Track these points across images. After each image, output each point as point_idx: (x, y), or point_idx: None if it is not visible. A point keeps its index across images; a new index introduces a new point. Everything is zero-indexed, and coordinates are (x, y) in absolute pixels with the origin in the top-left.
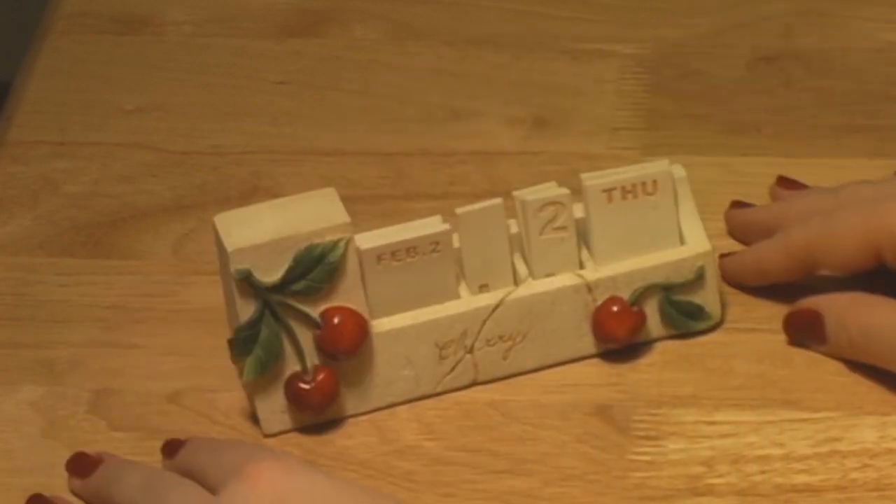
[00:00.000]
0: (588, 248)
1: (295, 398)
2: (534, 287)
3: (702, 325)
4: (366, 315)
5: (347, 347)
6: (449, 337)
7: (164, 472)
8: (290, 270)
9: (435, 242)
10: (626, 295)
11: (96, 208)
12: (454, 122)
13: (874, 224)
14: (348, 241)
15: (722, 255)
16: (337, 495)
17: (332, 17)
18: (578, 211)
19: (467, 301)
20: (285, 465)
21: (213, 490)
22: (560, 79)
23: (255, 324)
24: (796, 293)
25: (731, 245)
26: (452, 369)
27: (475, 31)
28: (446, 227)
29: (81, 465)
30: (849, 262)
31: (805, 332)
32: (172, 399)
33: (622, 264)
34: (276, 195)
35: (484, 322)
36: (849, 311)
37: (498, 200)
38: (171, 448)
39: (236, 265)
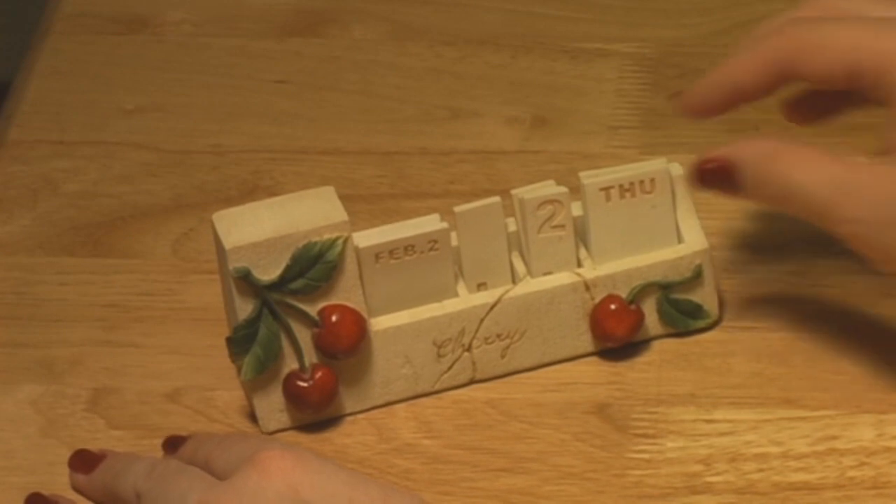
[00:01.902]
0: (586, 246)
1: (293, 396)
2: (532, 285)
3: (700, 324)
4: (364, 313)
5: (346, 346)
6: (447, 335)
7: (169, 459)
8: (288, 269)
9: (433, 241)
10: (624, 293)
11: (96, 208)
12: (453, 122)
13: (865, 43)
14: (346, 240)
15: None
16: (349, 487)
17: (331, 17)
18: (577, 209)
19: (465, 299)
20: (297, 455)
21: (220, 478)
22: (559, 78)
23: (253, 322)
24: (796, 293)
25: (731, 244)
26: (450, 367)
27: (474, 31)
28: (444, 225)
29: (84, 460)
30: (827, 75)
31: (718, 182)
32: (171, 398)
33: (620, 263)
34: (275, 194)
35: (482, 320)
36: (770, 165)
37: (496, 199)
38: (173, 443)
39: (234, 263)
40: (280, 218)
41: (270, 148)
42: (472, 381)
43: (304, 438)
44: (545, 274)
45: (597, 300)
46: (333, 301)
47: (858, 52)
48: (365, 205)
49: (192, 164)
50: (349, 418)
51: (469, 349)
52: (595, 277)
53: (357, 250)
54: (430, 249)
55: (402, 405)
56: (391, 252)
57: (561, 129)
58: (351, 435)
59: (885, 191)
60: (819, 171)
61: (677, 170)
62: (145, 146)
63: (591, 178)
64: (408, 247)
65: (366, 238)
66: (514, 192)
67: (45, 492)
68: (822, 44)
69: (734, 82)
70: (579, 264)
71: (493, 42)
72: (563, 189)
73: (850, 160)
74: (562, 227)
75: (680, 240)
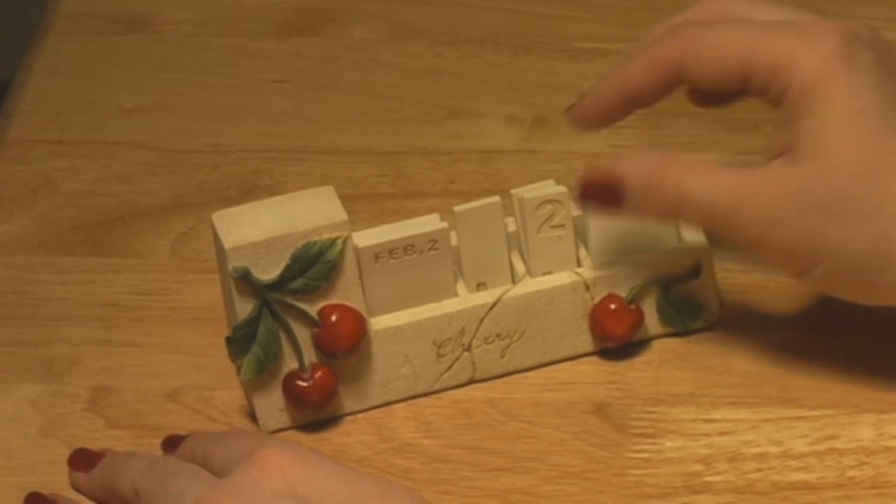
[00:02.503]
0: (586, 246)
1: (293, 396)
2: (531, 285)
3: (699, 323)
4: (364, 313)
5: (345, 345)
6: (447, 335)
7: (168, 457)
8: (287, 268)
9: (433, 240)
10: (623, 293)
11: (96, 207)
12: (453, 122)
13: (755, 44)
14: (346, 239)
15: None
16: (347, 484)
17: (331, 17)
18: (576, 209)
19: (465, 299)
20: (296, 452)
21: (218, 476)
22: (559, 78)
23: (253, 322)
24: (796, 293)
25: (730, 243)
26: (450, 367)
27: (474, 31)
28: (444, 225)
29: (83, 459)
30: (719, 77)
31: (602, 197)
32: (171, 397)
33: (620, 262)
34: (275, 194)
35: (482, 320)
36: (661, 176)
37: (496, 198)
38: (172, 442)
39: (234, 263)
40: (280, 218)
41: (270, 147)
42: (471, 381)
43: (303, 438)
44: (545, 273)
45: (596, 300)
46: (333, 301)
47: (749, 53)
48: (365, 204)
49: (192, 164)
50: (349, 418)
51: (469, 349)
52: (595, 277)
53: (357, 250)
54: (430, 249)
55: (402, 405)
56: (391, 252)
57: (561, 129)
58: (350, 434)
59: (781, 190)
60: (715, 180)
61: None
62: (145, 146)
63: None
64: (407, 246)
65: (365, 238)
66: (514, 191)
67: (44, 491)
68: (714, 46)
69: (626, 89)
70: (579, 264)
71: (492, 42)
72: (563, 188)
73: (742, 168)
74: (561, 226)
75: (680, 240)
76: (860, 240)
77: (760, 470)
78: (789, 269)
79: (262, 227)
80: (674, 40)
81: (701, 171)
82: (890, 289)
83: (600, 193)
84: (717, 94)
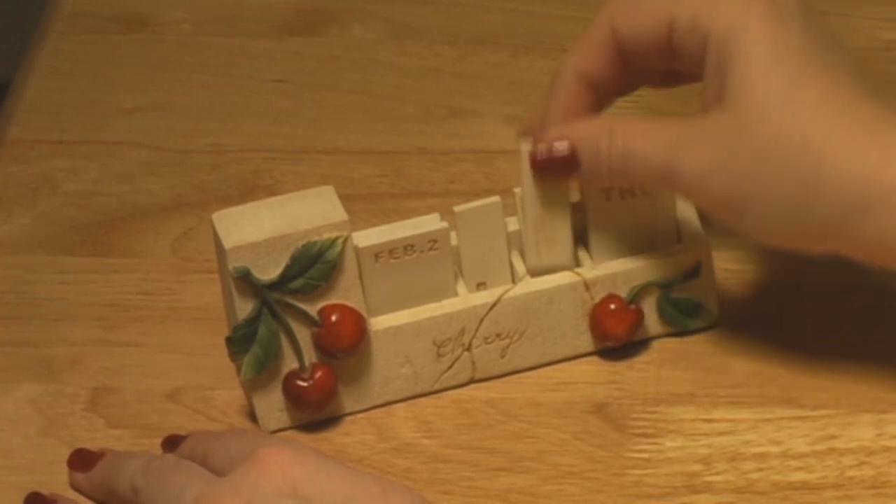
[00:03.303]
0: (586, 246)
1: (293, 396)
2: (531, 285)
3: (699, 323)
4: (364, 313)
5: (345, 345)
6: (447, 335)
7: (166, 455)
8: (288, 268)
9: (433, 240)
10: (623, 293)
11: (95, 207)
12: (453, 121)
13: None
14: (346, 239)
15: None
16: (347, 483)
17: (331, 16)
18: (577, 209)
19: (465, 299)
20: (296, 451)
21: (218, 474)
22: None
23: (253, 322)
24: (796, 293)
25: (730, 244)
26: (450, 367)
27: (474, 31)
28: (444, 225)
29: (83, 459)
30: (645, 33)
31: (556, 165)
32: (171, 397)
33: (620, 262)
34: (275, 194)
35: (482, 320)
36: (608, 140)
37: (496, 198)
38: (172, 442)
39: (234, 263)
40: (280, 217)
41: (270, 147)
42: (471, 381)
43: (303, 438)
44: (544, 272)
45: (596, 300)
46: (333, 301)
47: (673, 4)
48: (365, 204)
49: (192, 164)
50: (349, 418)
51: (469, 349)
52: (595, 277)
53: (357, 250)
54: (430, 249)
55: (402, 405)
56: (391, 252)
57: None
58: (350, 434)
59: (712, 136)
60: (655, 136)
61: None
62: (145, 146)
63: None
64: (407, 246)
65: (365, 238)
66: (516, 190)
67: (44, 491)
68: (639, 5)
69: (581, 77)
70: (579, 264)
71: (492, 41)
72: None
73: (680, 120)
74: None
75: (680, 240)
76: (789, 178)
77: (760, 470)
78: (724, 217)
79: (262, 227)
80: (605, 7)
81: (642, 129)
82: (820, 231)
83: (555, 162)
84: (645, 56)
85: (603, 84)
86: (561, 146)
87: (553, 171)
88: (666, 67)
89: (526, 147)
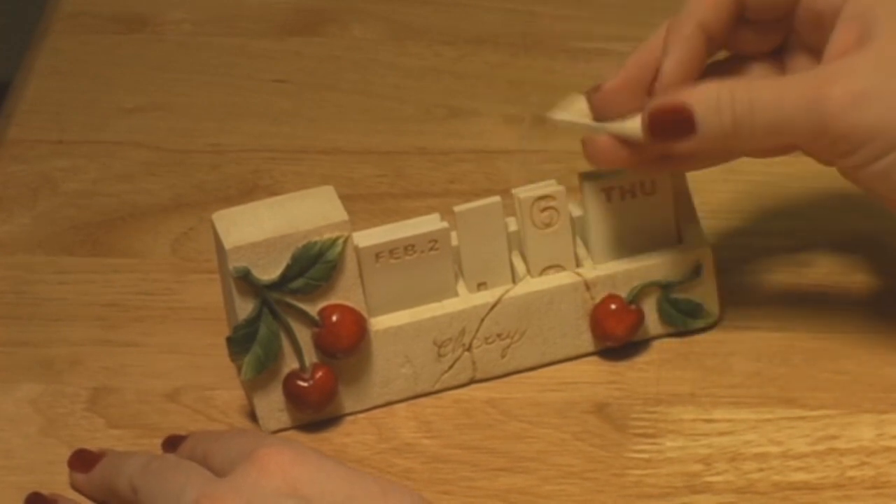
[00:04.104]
0: (586, 246)
1: (293, 396)
2: (532, 285)
3: (700, 323)
4: (364, 313)
5: (346, 345)
6: (447, 335)
7: (166, 455)
8: (288, 268)
9: (433, 240)
10: (624, 293)
11: (95, 207)
12: (453, 121)
13: None
14: (346, 239)
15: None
16: (347, 483)
17: (331, 16)
18: (577, 210)
19: (465, 299)
20: (296, 451)
21: (218, 474)
22: (559, 77)
23: (253, 322)
24: (796, 293)
25: (731, 244)
26: (451, 367)
27: (474, 31)
28: (444, 225)
29: (83, 460)
30: None
31: (672, 128)
32: (171, 397)
33: (620, 262)
34: (275, 194)
35: (482, 320)
36: (729, 91)
37: (496, 198)
38: (173, 442)
39: (234, 263)
40: (280, 217)
41: (270, 147)
42: (472, 381)
43: (303, 438)
44: (544, 271)
45: (597, 300)
46: (333, 301)
47: None
48: (365, 204)
49: (192, 164)
50: (349, 418)
51: (469, 349)
52: (595, 277)
53: (357, 250)
54: (430, 249)
55: (402, 405)
56: (391, 252)
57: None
58: (351, 434)
59: (865, 68)
60: (785, 82)
61: (677, 171)
62: (145, 145)
63: (591, 179)
64: (408, 246)
65: (366, 238)
66: (514, 191)
67: (44, 491)
68: None
69: (699, 26)
70: (579, 264)
71: (492, 41)
72: (561, 187)
73: (809, 70)
74: (559, 224)
75: (680, 240)
76: None
77: (761, 470)
78: (858, 158)
79: (262, 227)
80: None
81: (767, 81)
82: None
83: (670, 122)
84: (769, 20)
85: (718, 40)
86: (678, 105)
87: (669, 133)
88: (774, 36)
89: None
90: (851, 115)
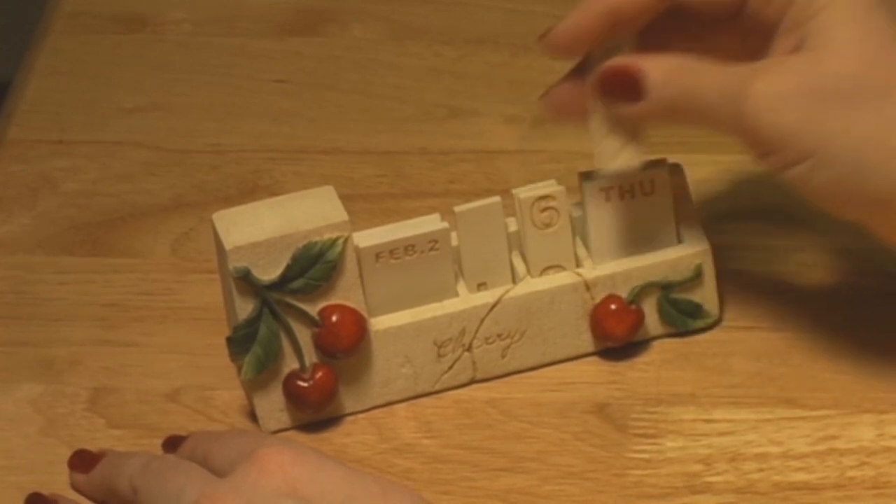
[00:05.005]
0: (586, 246)
1: (293, 396)
2: (532, 285)
3: (700, 324)
4: (364, 313)
5: (346, 346)
6: (447, 335)
7: (165, 455)
8: (288, 268)
9: (433, 241)
10: (624, 293)
11: (96, 207)
12: (453, 121)
13: None
14: (346, 240)
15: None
16: (347, 483)
17: (331, 16)
18: (576, 210)
19: (466, 299)
20: (296, 451)
21: (218, 475)
22: (558, 77)
23: (253, 322)
24: (796, 293)
25: (731, 244)
26: (451, 367)
27: (474, 31)
28: (444, 225)
29: (83, 460)
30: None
31: (622, 88)
32: (171, 397)
33: (620, 263)
34: (275, 194)
35: (482, 320)
36: (676, 67)
37: (496, 198)
38: (173, 442)
39: (235, 263)
40: (280, 218)
41: (270, 147)
42: (472, 381)
43: (304, 438)
44: (544, 271)
45: (597, 300)
46: (333, 301)
47: None
48: (365, 204)
49: (192, 164)
50: (349, 418)
51: (469, 349)
52: (595, 277)
53: (357, 250)
54: (431, 249)
55: (403, 405)
56: (391, 252)
57: (561, 129)
58: (351, 434)
59: (789, 67)
60: (725, 70)
61: (677, 171)
62: (145, 145)
63: (591, 179)
64: (408, 247)
65: (366, 238)
66: (514, 191)
67: (44, 491)
68: None
69: (608, 4)
70: (579, 264)
71: (492, 41)
72: (561, 187)
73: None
74: (559, 224)
75: (680, 240)
76: (850, 135)
77: (761, 470)
78: (776, 162)
79: (262, 227)
80: None
81: (713, 65)
82: (866, 199)
83: (620, 84)
84: (707, 14)
85: (628, 20)
86: (632, 69)
87: (617, 95)
88: (710, 35)
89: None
90: (767, 116)
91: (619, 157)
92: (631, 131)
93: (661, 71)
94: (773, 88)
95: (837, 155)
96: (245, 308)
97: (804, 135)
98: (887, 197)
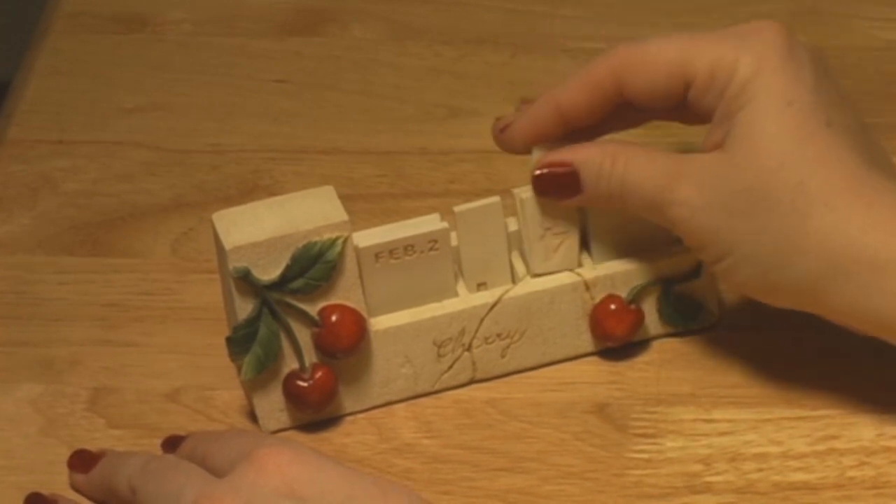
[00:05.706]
0: (586, 246)
1: (293, 396)
2: (532, 285)
3: (700, 323)
4: (364, 313)
5: (346, 345)
6: (447, 335)
7: (165, 455)
8: (288, 268)
9: (433, 240)
10: (624, 293)
11: (95, 207)
12: (453, 121)
13: (693, 52)
14: (346, 240)
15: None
16: (346, 484)
17: (331, 16)
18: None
19: (465, 299)
20: (295, 451)
21: (217, 475)
22: (559, 78)
23: (253, 322)
24: None
25: None
26: (450, 367)
27: (474, 31)
28: (444, 225)
29: (83, 460)
30: (653, 89)
31: (558, 186)
32: (171, 397)
33: (620, 262)
34: (275, 194)
35: (482, 320)
36: (609, 164)
37: (496, 198)
38: (173, 442)
39: (234, 263)
40: (280, 218)
41: (270, 147)
42: (472, 381)
43: (303, 438)
44: (546, 273)
45: (597, 300)
46: (333, 301)
47: (688, 60)
48: (365, 204)
49: (192, 164)
50: (349, 418)
51: (469, 349)
52: (595, 277)
53: (357, 250)
54: (430, 249)
55: (402, 405)
56: (391, 252)
57: None
58: (351, 434)
59: (704, 174)
60: (653, 167)
61: None
62: (145, 145)
63: None
64: (408, 246)
65: (366, 238)
66: (515, 191)
67: (44, 491)
68: (651, 58)
69: (562, 109)
70: (579, 264)
71: (492, 41)
72: None
73: (678, 155)
74: (562, 225)
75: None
76: (772, 229)
77: (761, 470)
78: (704, 257)
79: (262, 227)
80: (609, 56)
81: (642, 157)
82: (794, 288)
83: (557, 182)
84: (651, 108)
85: (578, 122)
86: (564, 168)
87: (554, 191)
88: (664, 118)
89: (538, 154)
90: (688, 223)
91: (553, 258)
92: (569, 223)
93: (595, 166)
94: (692, 199)
95: (753, 254)
96: (245, 308)
97: (721, 238)
98: (809, 288)
